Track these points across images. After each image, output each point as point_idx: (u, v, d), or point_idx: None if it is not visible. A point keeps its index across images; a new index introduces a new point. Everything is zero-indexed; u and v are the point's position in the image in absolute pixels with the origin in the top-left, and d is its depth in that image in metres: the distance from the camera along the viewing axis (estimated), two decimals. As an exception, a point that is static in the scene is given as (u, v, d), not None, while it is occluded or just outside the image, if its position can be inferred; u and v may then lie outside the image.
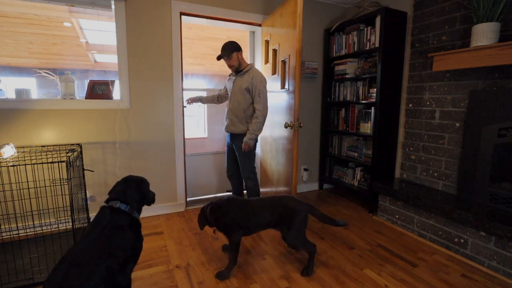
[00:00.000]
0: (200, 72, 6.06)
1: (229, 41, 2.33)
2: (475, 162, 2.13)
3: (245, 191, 2.72)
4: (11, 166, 1.98)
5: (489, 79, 2.06)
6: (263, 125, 2.33)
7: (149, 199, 1.64)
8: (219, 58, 2.37)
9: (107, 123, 2.50)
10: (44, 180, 1.87)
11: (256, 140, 2.40)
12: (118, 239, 1.29)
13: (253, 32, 3.27)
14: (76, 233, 1.80)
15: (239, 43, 2.38)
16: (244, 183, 2.62)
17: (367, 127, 2.92)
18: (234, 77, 2.44)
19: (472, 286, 1.73)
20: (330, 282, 1.76)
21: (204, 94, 5.49)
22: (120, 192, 1.47)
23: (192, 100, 2.75)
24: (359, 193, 2.97)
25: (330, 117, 3.45)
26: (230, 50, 2.31)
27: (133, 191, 1.51)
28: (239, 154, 2.43)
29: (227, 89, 2.63)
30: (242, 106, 2.35)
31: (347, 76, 3.09)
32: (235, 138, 2.43)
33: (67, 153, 1.84)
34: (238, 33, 4.38)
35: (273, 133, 2.70)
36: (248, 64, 2.40)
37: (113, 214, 1.36)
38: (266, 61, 2.93)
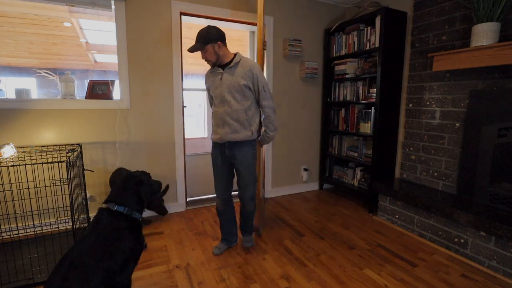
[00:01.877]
0: (200, 72, 6.06)
1: (205, 28, 1.82)
2: (475, 162, 2.13)
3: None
4: (11, 166, 1.98)
5: (489, 79, 2.06)
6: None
7: (153, 193, 1.61)
8: (190, 50, 1.83)
9: (107, 123, 2.50)
10: (44, 180, 1.87)
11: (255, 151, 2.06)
12: (118, 240, 1.28)
13: (253, 32, 3.27)
14: (76, 233, 1.80)
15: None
16: (243, 206, 2.09)
17: (367, 127, 2.92)
18: (220, 73, 1.91)
19: (472, 286, 1.73)
20: (330, 282, 1.76)
21: (204, 94, 5.50)
22: (117, 194, 1.45)
23: None
24: (359, 193, 2.97)
25: (330, 117, 3.45)
26: (203, 41, 1.79)
27: (131, 192, 1.47)
28: (243, 168, 1.96)
29: (208, 89, 2.06)
30: (242, 106, 1.89)
31: (347, 76, 3.09)
32: (237, 147, 1.95)
33: (67, 153, 1.84)
34: (238, 33, 4.38)
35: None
36: (235, 55, 1.91)
37: (111, 217, 1.35)
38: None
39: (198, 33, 1.82)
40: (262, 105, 1.93)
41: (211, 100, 2.09)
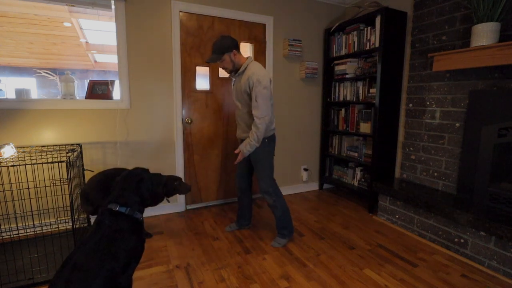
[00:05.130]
0: (200, 72, 6.06)
1: (219, 39, 1.97)
2: (475, 162, 2.13)
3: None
4: (11, 166, 1.98)
5: (489, 79, 2.06)
6: (263, 133, 1.98)
7: (154, 186, 1.62)
8: (209, 61, 2.00)
9: (107, 123, 2.50)
10: (44, 180, 1.87)
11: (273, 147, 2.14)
12: (120, 241, 1.28)
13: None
14: (76, 233, 1.80)
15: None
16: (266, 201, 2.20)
17: (367, 127, 2.92)
18: (235, 80, 2.18)
19: (472, 286, 1.73)
20: (330, 282, 1.76)
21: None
22: (119, 194, 1.45)
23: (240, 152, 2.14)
24: (359, 193, 2.97)
25: (330, 117, 3.45)
26: (220, 51, 1.96)
27: (133, 192, 1.48)
28: (254, 163, 2.14)
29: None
30: (245, 109, 2.07)
31: (347, 76, 3.09)
32: None
33: (67, 153, 1.84)
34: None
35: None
36: (246, 60, 2.06)
37: (113, 217, 1.34)
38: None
39: (213, 44, 1.99)
40: (253, 114, 1.96)
41: None
